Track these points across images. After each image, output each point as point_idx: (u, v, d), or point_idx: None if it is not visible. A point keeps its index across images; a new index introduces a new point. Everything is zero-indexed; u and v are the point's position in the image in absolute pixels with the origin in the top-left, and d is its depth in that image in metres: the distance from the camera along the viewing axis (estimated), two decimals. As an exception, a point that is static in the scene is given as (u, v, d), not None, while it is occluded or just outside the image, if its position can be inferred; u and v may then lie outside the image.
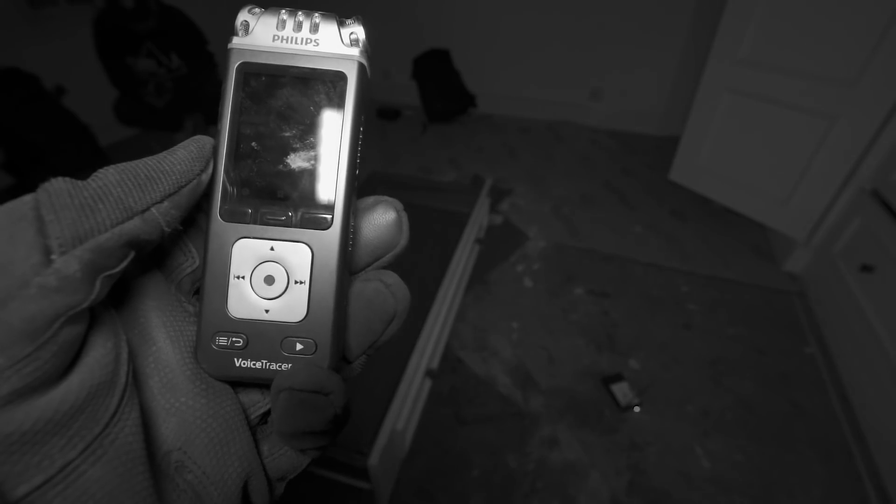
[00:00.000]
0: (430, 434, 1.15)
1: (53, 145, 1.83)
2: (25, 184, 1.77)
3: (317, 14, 0.16)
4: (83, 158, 1.89)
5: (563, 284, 1.62)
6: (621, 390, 1.23)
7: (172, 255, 0.17)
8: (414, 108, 3.05)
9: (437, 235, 1.49)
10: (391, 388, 1.00)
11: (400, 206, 0.18)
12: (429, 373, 1.19)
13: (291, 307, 0.16)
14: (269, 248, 0.16)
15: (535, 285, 1.62)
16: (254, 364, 0.16)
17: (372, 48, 0.17)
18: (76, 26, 2.28)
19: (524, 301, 1.55)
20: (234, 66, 0.16)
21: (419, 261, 1.37)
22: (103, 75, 1.99)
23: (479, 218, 1.67)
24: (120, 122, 2.12)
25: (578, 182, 2.27)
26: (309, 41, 0.16)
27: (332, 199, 0.16)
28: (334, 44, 0.16)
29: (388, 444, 0.91)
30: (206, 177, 0.15)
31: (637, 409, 1.21)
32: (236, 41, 0.16)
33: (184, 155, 0.15)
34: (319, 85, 0.16)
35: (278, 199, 0.16)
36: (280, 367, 0.16)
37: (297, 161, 0.16)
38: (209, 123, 2.10)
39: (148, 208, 0.13)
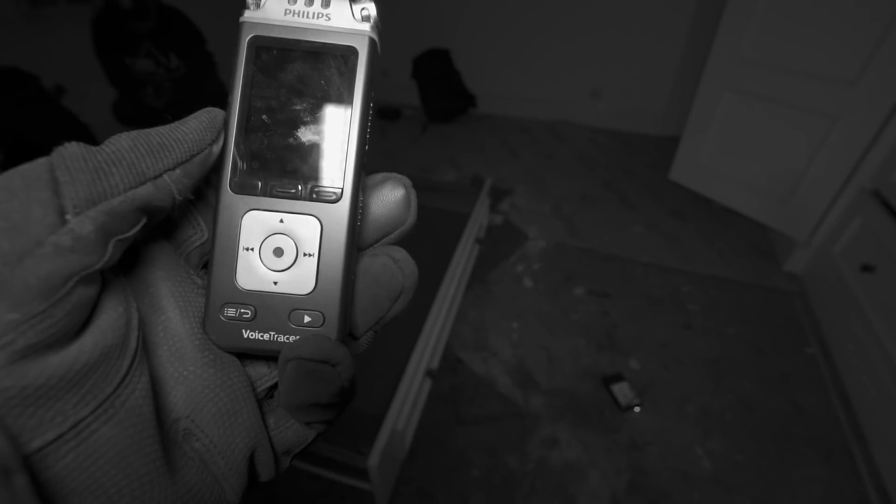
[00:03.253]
0: (430, 434, 1.15)
1: (53, 145, 1.83)
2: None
3: None
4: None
5: (563, 284, 1.62)
6: (621, 390, 1.23)
7: (182, 228, 0.17)
8: (414, 108, 3.05)
9: (437, 235, 1.49)
10: (391, 388, 1.00)
11: (408, 182, 0.18)
12: (429, 373, 1.19)
13: (300, 279, 0.16)
14: (279, 220, 0.16)
15: (535, 285, 1.62)
16: (262, 336, 0.16)
17: (382, 24, 0.17)
18: (76, 26, 2.27)
19: (524, 301, 1.55)
20: (245, 39, 0.16)
21: (419, 261, 1.37)
22: (103, 75, 1.99)
23: (479, 218, 1.67)
24: (119, 122, 2.12)
25: (578, 182, 2.27)
26: (320, 15, 0.16)
27: (342, 173, 0.16)
28: (346, 19, 0.16)
29: (388, 444, 0.91)
30: (217, 148, 0.16)
31: (637, 409, 1.21)
32: (248, 14, 0.16)
33: (196, 125, 0.15)
34: (330, 59, 0.16)
35: (288, 172, 0.16)
36: (288, 338, 0.16)
37: (307, 135, 0.16)
38: None
39: (160, 175, 0.14)
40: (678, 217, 1.99)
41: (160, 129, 0.14)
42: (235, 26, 0.16)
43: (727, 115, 1.79)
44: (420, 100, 2.90)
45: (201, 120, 0.15)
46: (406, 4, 2.94)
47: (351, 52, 0.16)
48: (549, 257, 1.75)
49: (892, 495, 1.01)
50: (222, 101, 0.16)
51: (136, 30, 1.88)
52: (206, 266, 0.18)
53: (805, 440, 1.14)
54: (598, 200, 2.12)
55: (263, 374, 0.18)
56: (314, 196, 0.16)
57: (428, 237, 1.48)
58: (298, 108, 0.16)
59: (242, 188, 0.16)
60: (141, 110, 2.07)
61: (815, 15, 1.44)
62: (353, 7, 0.16)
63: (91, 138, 1.95)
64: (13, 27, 2.22)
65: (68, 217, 0.12)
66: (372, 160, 0.16)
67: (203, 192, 0.17)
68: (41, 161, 0.12)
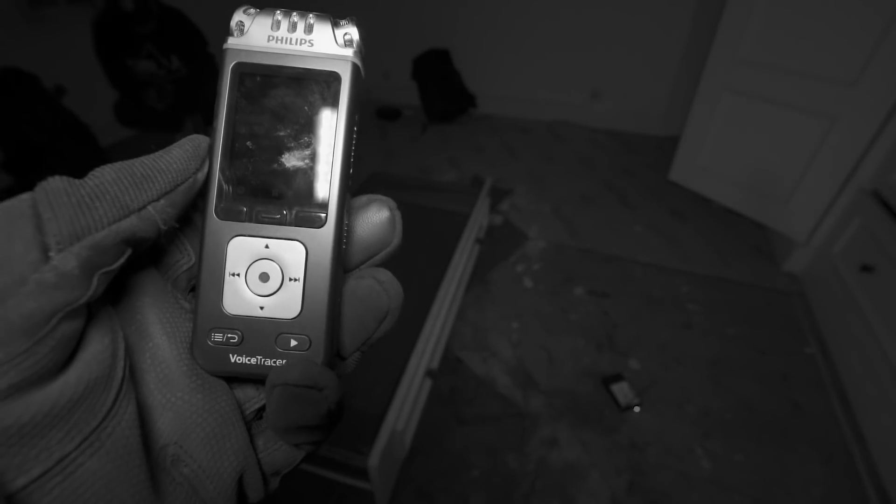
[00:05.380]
0: (430, 434, 1.15)
1: (53, 145, 1.83)
2: (25, 184, 1.76)
3: (311, 15, 0.17)
4: (83, 158, 1.89)
5: (563, 284, 1.62)
6: (621, 390, 1.23)
7: (169, 253, 0.17)
8: (414, 108, 3.05)
9: (437, 235, 1.49)
10: (391, 388, 1.00)
11: (393, 204, 0.18)
12: (429, 373, 1.19)
13: (286, 304, 0.16)
14: (264, 245, 0.16)
15: (535, 285, 1.62)
16: (249, 360, 0.16)
17: (366, 48, 0.17)
18: (76, 26, 2.28)
19: (524, 301, 1.55)
20: (229, 66, 0.16)
21: (419, 261, 1.37)
22: (103, 75, 1.99)
23: (479, 218, 1.67)
24: (121, 123, 2.12)
25: (578, 182, 2.27)
26: (303, 42, 0.16)
27: (327, 197, 0.16)
28: (328, 44, 0.16)
29: (388, 444, 0.91)
30: (201, 175, 0.16)
31: (637, 409, 1.21)
32: (231, 41, 0.16)
33: (180, 154, 0.15)
34: (314, 85, 0.16)
35: (273, 197, 0.16)
36: (275, 362, 0.16)
37: (291, 160, 0.16)
38: (208, 124, 2.10)
39: (144, 206, 0.14)
40: (678, 217, 1.99)
41: (144, 159, 0.14)
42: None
43: (727, 115, 1.79)
44: (420, 100, 2.90)
45: (185, 149, 0.15)
46: (406, 4, 2.94)
47: (334, 78, 0.16)
48: (549, 257, 1.75)
49: (892, 495, 1.01)
50: None
51: (137, 31, 1.88)
52: (193, 290, 0.18)
53: (805, 440, 1.14)
54: (598, 201, 2.12)
55: (252, 397, 0.18)
56: (299, 221, 0.16)
57: (428, 237, 1.48)
58: (283, 133, 0.16)
59: (228, 214, 0.16)
60: (142, 112, 2.07)
61: (814, 15, 1.44)
62: (336, 32, 0.16)
63: (91, 139, 1.96)
64: (13, 27, 2.22)
65: (52, 254, 0.12)
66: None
67: (190, 217, 0.17)
68: (24, 197, 0.12)
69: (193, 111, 2.11)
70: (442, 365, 1.32)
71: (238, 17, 0.16)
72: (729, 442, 1.14)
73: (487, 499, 1.03)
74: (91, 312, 0.13)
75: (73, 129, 1.92)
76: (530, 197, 2.14)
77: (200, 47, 2.06)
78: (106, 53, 1.94)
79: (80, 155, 1.89)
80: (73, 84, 2.03)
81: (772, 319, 1.48)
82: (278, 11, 0.16)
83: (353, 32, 0.17)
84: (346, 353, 0.19)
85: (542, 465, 1.09)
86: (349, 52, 0.17)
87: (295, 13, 0.16)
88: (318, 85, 0.16)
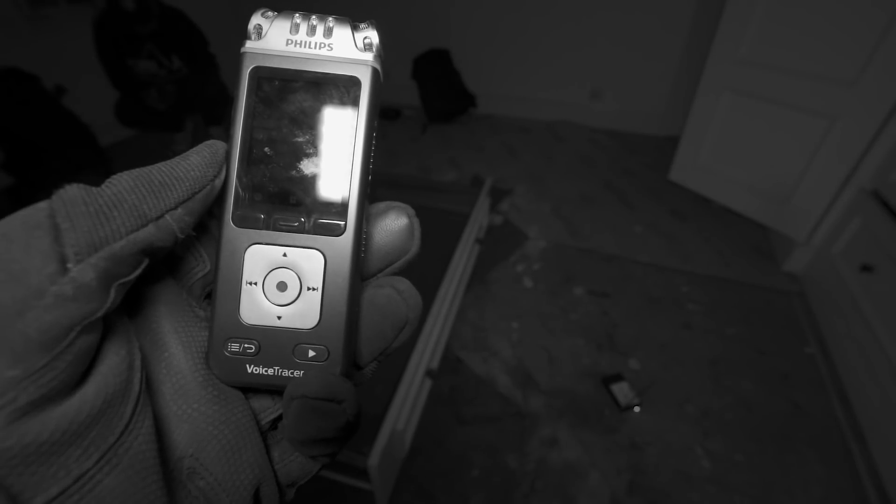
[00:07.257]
0: (430, 434, 1.15)
1: (53, 145, 1.83)
2: (25, 184, 1.77)
3: (331, 18, 0.16)
4: (83, 158, 1.89)
5: (563, 284, 1.62)
6: (621, 390, 1.23)
7: (184, 261, 0.17)
8: (414, 108, 3.05)
9: (437, 235, 1.49)
10: (391, 388, 1.00)
11: (412, 211, 0.18)
12: (429, 373, 1.19)
13: (304, 314, 0.16)
14: (282, 254, 0.16)
15: (535, 285, 1.62)
16: (266, 371, 0.16)
17: (385, 53, 0.17)
18: (76, 26, 2.28)
19: (524, 301, 1.55)
20: (246, 70, 0.16)
21: (419, 261, 1.37)
22: (104, 75, 1.99)
23: (479, 218, 1.67)
24: (122, 123, 2.12)
25: (578, 182, 2.27)
26: (323, 45, 0.16)
27: (345, 205, 0.16)
28: (348, 48, 0.16)
29: (388, 444, 0.91)
30: (219, 182, 0.15)
31: (637, 409, 1.21)
32: (249, 45, 0.16)
33: (197, 161, 0.15)
34: (333, 90, 0.16)
35: (291, 204, 0.16)
36: (292, 373, 0.16)
37: (309, 167, 0.16)
38: (209, 124, 2.10)
39: (162, 215, 0.13)
40: (678, 217, 1.99)
41: (161, 166, 0.14)
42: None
43: (727, 115, 1.79)
44: (420, 100, 2.89)
45: (203, 155, 0.15)
46: (407, 4, 2.94)
47: (353, 83, 0.16)
48: (549, 257, 1.75)
49: (891, 495, 1.01)
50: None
51: (138, 31, 1.88)
52: (209, 297, 0.17)
53: (805, 440, 1.14)
54: (598, 200, 2.12)
55: (267, 407, 0.17)
56: (318, 229, 0.16)
57: (428, 237, 1.48)
58: (301, 139, 0.16)
59: (245, 222, 0.16)
60: (143, 112, 2.07)
61: (814, 15, 1.43)
62: (356, 36, 0.16)
63: (91, 138, 1.96)
64: (13, 27, 2.22)
65: (69, 265, 0.11)
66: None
67: (205, 224, 0.17)
68: (41, 206, 0.12)
69: (194, 111, 2.11)
70: (442, 365, 1.32)
71: (256, 20, 0.16)
72: (729, 442, 1.14)
73: (487, 498, 1.03)
74: (107, 324, 0.13)
75: (73, 129, 1.93)
76: (530, 197, 2.14)
77: (201, 47, 2.06)
78: (106, 53, 1.94)
79: (80, 155, 1.89)
80: (73, 84, 2.03)
81: (772, 319, 1.48)
82: (297, 14, 0.16)
83: (372, 36, 0.16)
84: (364, 363, 0.18)
85: (542, 465, 1.09)
86: (369, 56, 0.16)
87: (314, 16, 0.16)
88: (338, 90, 0.16)
